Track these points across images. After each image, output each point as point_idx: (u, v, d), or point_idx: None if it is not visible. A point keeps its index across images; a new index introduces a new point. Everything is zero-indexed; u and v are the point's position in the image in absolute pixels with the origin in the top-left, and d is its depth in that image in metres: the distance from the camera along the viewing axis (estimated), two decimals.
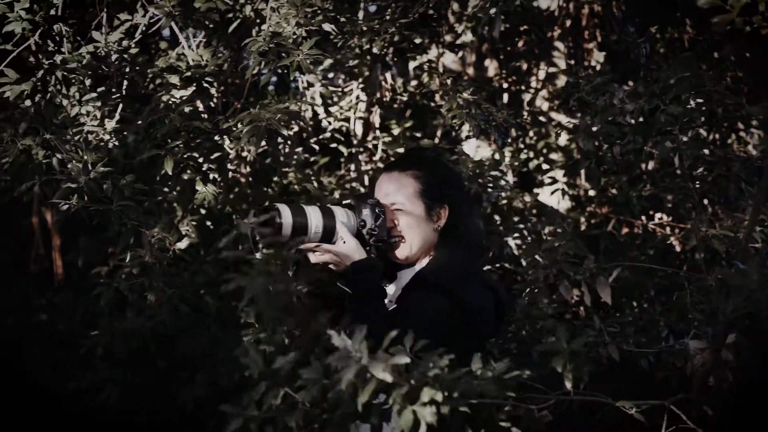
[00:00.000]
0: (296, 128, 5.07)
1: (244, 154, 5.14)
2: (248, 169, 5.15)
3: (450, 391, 2.30)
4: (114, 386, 4.71)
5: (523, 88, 6.14)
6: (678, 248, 5.38)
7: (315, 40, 3.82)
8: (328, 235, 3.12)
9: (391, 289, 3.32)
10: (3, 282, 6.30)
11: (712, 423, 3.01)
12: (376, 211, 3.20)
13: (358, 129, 5.61)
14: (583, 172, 5.53)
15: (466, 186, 4.32)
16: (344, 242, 3.12)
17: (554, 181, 5.65)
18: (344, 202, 3.36)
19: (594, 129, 3.57)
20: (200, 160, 3.95)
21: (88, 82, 3.86)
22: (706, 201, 4.42)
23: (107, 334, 4.42)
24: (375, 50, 4.57)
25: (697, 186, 3.47)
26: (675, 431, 2.82)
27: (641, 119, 3.34)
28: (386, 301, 3.20)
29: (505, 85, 6.15)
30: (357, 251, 3.12)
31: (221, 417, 2.50)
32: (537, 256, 3.14)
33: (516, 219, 5.33)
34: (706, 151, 3.77)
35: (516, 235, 5.20)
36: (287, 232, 3.03)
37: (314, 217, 3.10)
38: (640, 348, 3.53)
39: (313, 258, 3.14)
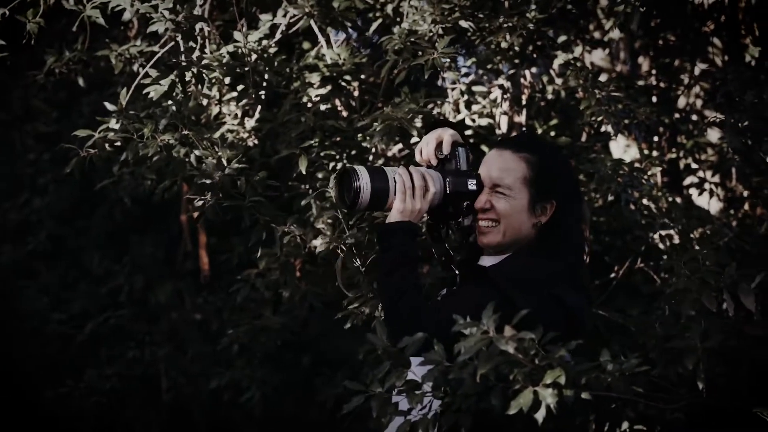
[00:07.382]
0: None
1: (390, 153, 5.14)
2: None
3: (575, 379, 2.24)
4: (256, 386, 4.72)
5: (674, 85, 5.93)
6: None
7: (450, 38, 3.77)
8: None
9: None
10: (158, 279, 6.49)
11: None
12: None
13: (503, 128, 5.52)
14: (734, 172, 5.30)
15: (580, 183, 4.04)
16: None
17: (703, 181, 5.44)
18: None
19: (740, 125, 3.43)
20: (336, 158, 3.97)
21: (227, 80, 3.93)
22: None
23: (246, 331, 4.46)
24: (517, 48, 4.50)
25: None
26: None
27: None
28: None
29: (655, 83, 5.96)
30: (398, 213, 2.83)
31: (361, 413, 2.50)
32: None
33: (663, 221, 5.13)
34: None
35: (664, 233, 4.99)
36: (366, 198, 2.81)
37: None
38: None
39: None
